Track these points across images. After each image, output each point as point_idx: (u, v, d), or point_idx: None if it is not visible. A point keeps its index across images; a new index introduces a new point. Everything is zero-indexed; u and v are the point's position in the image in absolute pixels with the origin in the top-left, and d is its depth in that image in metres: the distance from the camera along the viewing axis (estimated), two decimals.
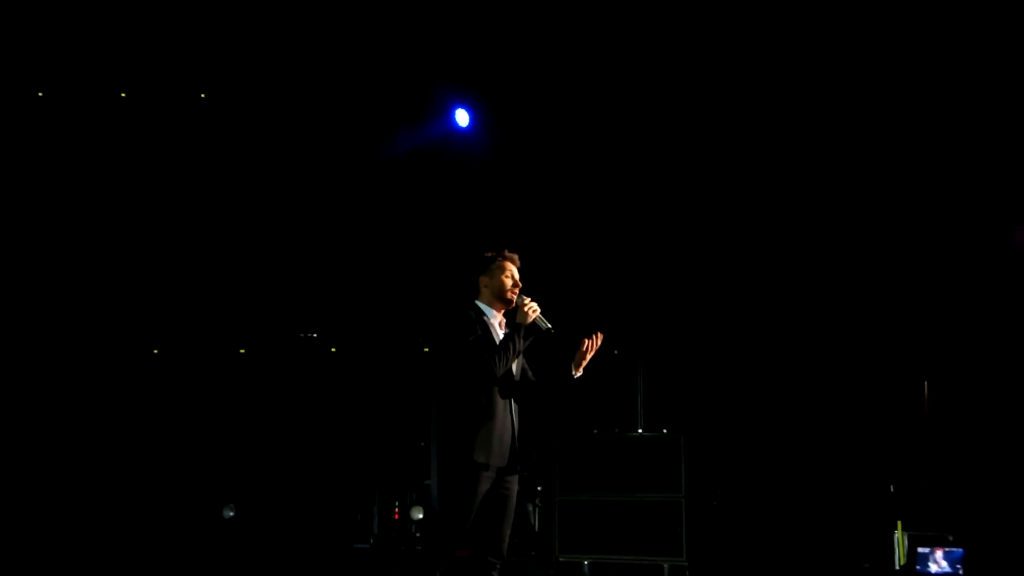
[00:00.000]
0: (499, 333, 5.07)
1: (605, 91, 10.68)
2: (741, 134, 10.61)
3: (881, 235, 10.33)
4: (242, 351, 12.69)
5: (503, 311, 5.13)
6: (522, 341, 4.97)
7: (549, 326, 4.98)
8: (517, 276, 5.13)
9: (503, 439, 4.96)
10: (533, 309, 4.97)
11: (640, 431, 9.95)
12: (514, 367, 5.06)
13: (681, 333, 10.97)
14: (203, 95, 11.73)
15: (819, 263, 10.56)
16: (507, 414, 5.01)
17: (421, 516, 11.14)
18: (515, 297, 5.07)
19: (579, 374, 5.07)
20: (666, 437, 9.69)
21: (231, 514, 11.53)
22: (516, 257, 5.18)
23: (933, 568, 8.62)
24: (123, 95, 11.69)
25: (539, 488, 10.95)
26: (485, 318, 5.07)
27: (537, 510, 11.02)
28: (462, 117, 11.18)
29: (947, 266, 10.10)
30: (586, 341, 5.04)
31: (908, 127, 10.06)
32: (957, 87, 9.72)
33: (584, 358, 5.06)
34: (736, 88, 10.40)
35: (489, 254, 5.17)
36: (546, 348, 5.16)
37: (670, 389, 10.54)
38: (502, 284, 5.10)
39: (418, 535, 11.13)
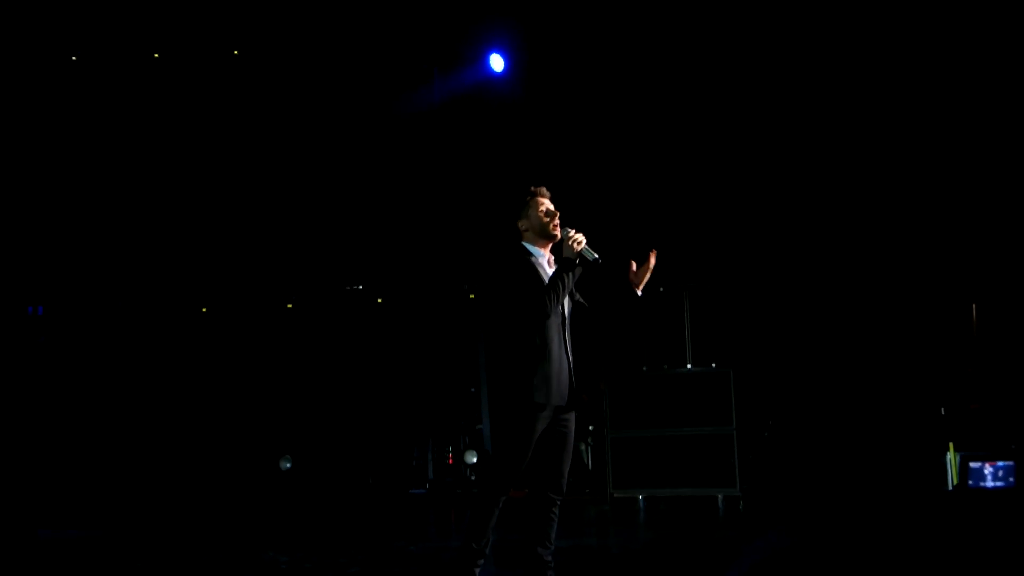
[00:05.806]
0: (548, 271, 5.06)
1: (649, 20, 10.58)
2: (790, 68, 10.49)
3: (929, 160, 10.23)
4: (289, 306, 12.82)
5: (550, 247, 5.13)
6: (571, 276, 4.96)
7: (597, 256, 4.92)
8: (551, 206, 5.12)
9: (560, 377, 4.97)
10: (578, 241, 4.93)
11: (689, 366, 10.01)
12: (565, 302, 5.07)
13: (725, 267, 10.96)
14: (236, 52, 11.79)
15: (866, 190, 10.48)
16: (562, 352, 5.00)
17: (475, 460, 11.30)
18: (558, 229, 5.06)
19: (640, 293, 5.07)
20: (715, 371, 9.75)
21: (288, 465, 11.75)
22: (544, 190, 5.14)
23: (987, 480, 8.63)
24: (156, 55, 11.78)
25: (591, 427, 11.06)
26: (533, 259, 5.06)
27: (589, 448, 11.15)
28: (497, 62, 11.15)
29: (994, 189, 10.01)
30: (634, 264, 5.07)
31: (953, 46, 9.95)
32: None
33: (642, 279, 5.06)
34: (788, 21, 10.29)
35: (518, 197, 5.15)
36: (603, 279, 5.15)
37: (717, 323, 10.56)
38: (540, 219, 5.07)
39: (472, 478, 11.30)
